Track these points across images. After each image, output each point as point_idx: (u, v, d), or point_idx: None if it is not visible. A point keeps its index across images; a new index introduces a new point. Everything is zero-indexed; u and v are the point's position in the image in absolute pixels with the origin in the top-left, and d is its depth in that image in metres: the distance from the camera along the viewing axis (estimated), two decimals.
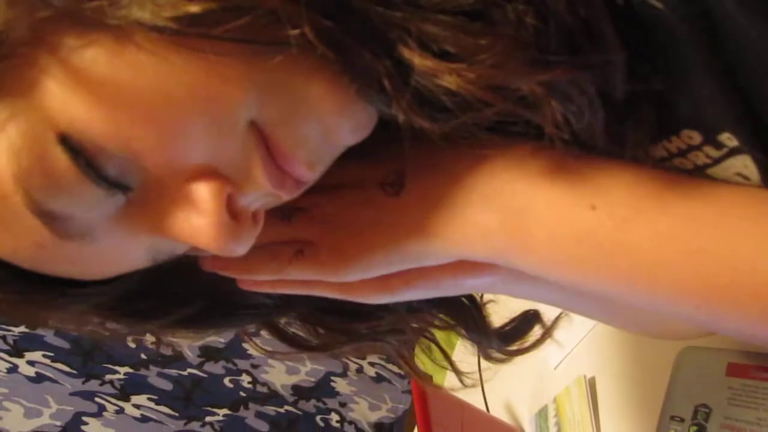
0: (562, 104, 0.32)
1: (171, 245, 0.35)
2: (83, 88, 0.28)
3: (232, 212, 0.33)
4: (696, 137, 0.34)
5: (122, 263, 0.35)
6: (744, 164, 0.34)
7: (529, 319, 0.53)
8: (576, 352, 0.82)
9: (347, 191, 0.40)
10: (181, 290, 0.42)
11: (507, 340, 0.52)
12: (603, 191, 0.35)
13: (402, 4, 0.30)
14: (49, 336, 1.78)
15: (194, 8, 0.27)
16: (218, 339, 1.95)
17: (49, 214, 0.30)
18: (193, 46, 0.28)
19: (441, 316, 0.50)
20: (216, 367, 2.00)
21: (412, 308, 0.48)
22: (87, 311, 0.38)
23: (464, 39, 0.30)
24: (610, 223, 0.35)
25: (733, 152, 0.34)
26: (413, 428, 1.40)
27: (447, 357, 0.53)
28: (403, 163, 0.38)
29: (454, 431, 0.73)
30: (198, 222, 0.32)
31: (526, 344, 0.52)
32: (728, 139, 0.33)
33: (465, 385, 0.54)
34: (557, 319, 0.53)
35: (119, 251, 0.34)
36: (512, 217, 0.36)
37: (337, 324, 0.48)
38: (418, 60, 0.30)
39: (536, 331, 0.52)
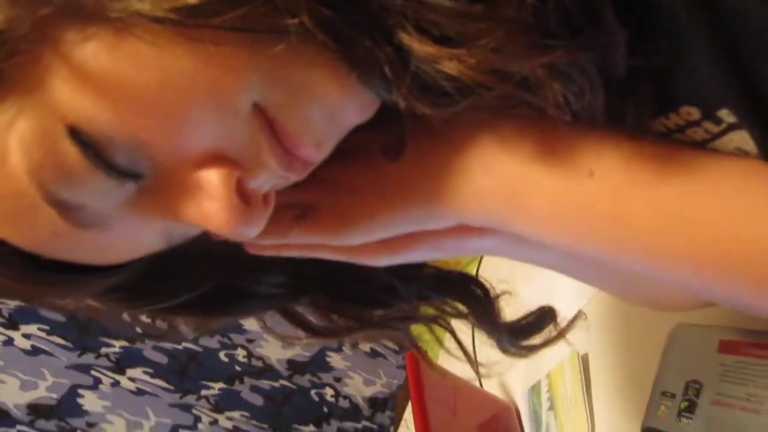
0: (564, 85, 0.32)
1: (184, 229, 0.36)
2: (88, 81, 0.28)
3: (243, 196, 0.34)
4: (695, 113, 0.34)
5: (137, 248, 0.35)
6: (743, 139, 0.34)
7: (544, 315, 0.54)
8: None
9: (349, 155, 0.40)
10: (194, 273, 0.43)
11: (519, 335, 0.53)
12: (601, 159, 0.35)
13: None
14: (45, 309, 1.79)
15: None
16: None
17: (63, 205, 0.30)
18: (193, 36, 0.29)
19: (453, 304, 0.50)
20: (211, 342, 2.01)
21: (424, 296, 0.49)
22: (99, 294, 0.39)
23: (464, 24, 0.30)
24: (608, 190, 0.35)
25: (732, 128, 0.34)
26: (407, 403, 1.41)
27: (461, 346, 0.53)
28: (403, 128, 0.38)
29: (448, 406, 0.74)
30: (209, 207, 0.33)
31: (538, 341, 0.53)
32: (727, 115, 0.33)
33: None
34: (573, 319, 0.53)
35: (133, 237, 0.34)
36: (511, 182, 0.36)
37: (350, 310, 0.49)
38: (418, 46, 0.30)
39: (550, 329, 0.53)
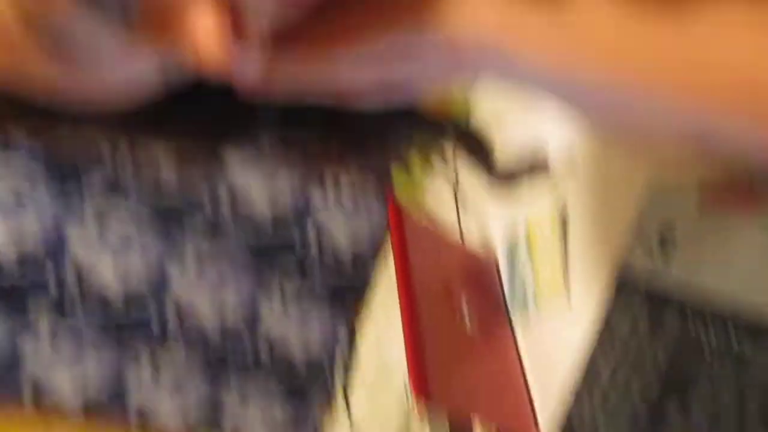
0: None
1: (178, 59, 0.35)
2: None
3: (238, 32, 0.33)
4: None
5: (132, 83, 0.35)
6: None
7: (538, 160, 0.54)
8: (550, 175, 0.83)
9: None
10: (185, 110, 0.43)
11: (510, 175, 0.54)
12: None
13: None
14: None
15: None
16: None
17: (52, 35, 0.30)
18: None
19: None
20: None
21: (425, 132, 0.50)
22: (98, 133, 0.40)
23: None
24: (612, 22, 0.34)
25: None
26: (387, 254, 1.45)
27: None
28: None
29: (430, 257, 0.75)
30: (204, 40, 0.32)
31: (529, 181, 0.54)
32: None
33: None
34: (561, 166, 0.53)
35: (128, 71, 0.34)
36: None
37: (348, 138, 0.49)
38: None
39: (541, 172, 0.53)
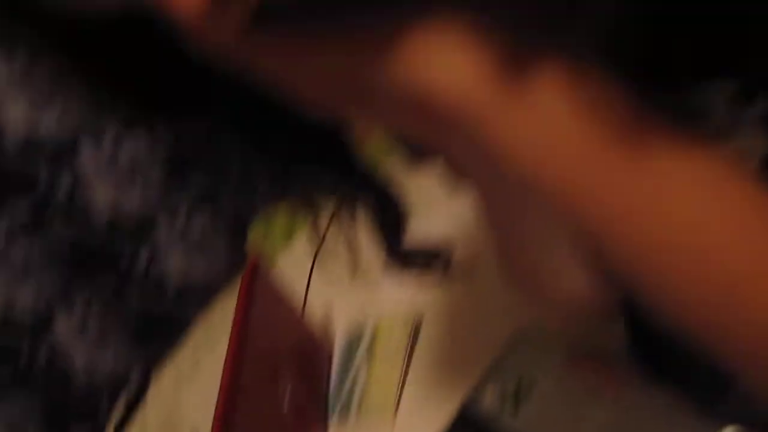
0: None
1: None
2: None
3: None
4: (725, 93, 0.33)
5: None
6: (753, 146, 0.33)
7: (438, 253, 0.53)
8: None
9: None
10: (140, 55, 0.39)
11: (407, 257, 0.52)
12: (608, 101, 0.31)
13: None
14: None
15: None
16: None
17: None
18: None
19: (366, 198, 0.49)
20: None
21: (344, 179, 0.48)
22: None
23: None
24: (599, 138, 0.32)
25: (749, 130, 0.33)
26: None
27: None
28: None
29: (270, 323, 0.69)
30: None
31: (419, 271, 0.54)
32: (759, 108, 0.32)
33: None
34: (451, 268, 0.54)
35: None
36: (505, 84, 0.32)
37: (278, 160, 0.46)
38: None
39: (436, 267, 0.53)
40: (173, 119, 0.43)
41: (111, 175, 1.78)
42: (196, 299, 1.95)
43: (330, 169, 0.47)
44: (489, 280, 0.63)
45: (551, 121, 0.32)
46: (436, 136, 0.37)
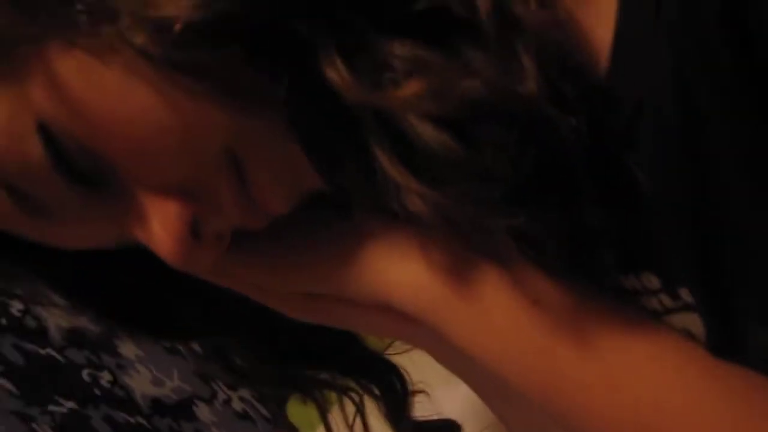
0: (519, 239, 0.32)
1: (134, 237, 0.36)
2: (66, 93, 0.29)
3: (196, 232, 0.34)
4: (655, 282, 0.34)
5: (85, 242, 0.36)
6: (693, 321, 0.34)
7: (450, 429, 0.54)
8: None
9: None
10: (133, 281, 0.43)
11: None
12: (550, 293, 0.34)
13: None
14: None
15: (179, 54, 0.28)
16: (90, 326, 1.83)
17: (16, 192, 0.32)
18: (174, 79, 0.29)
19: (369, 385, 0.52)
20: (77, 356, 1.87)
21: (346, 371, 0.51)
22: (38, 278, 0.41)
23: (440, 167, 0.30)
24: (547, 324, 0.34)
25: (687, 307, 0.33)
26: None
27: (363, 416, 0.55)
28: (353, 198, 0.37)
29: None
30: (161, 236, 0.33)
31: None
32: (686, 294, 0.34)
33: None
34: None
35: (82, 233, 0.35)
36: (451, 283, 0.35)
37: (276, 361, 0.49)
38: (389, 167, 0.30)
39: None
40: (187, 338, 0.46)
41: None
42: None
43: (333, 360, 0.49)
44: None
45: (497, 313, 0.34)
46: (408, 333, 0.40)
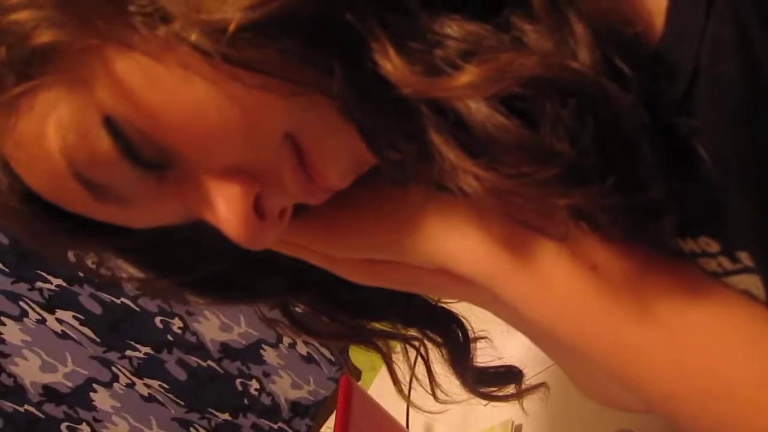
0: (580, 219, 0.31)
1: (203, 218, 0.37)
2: (129, 88, 0.30)
3: (259, 210, 0.35)
4: (714, 246, 0.33)
5: (157, 220, 0.37)
6: (754, 283, 0.33)
7: (512, 375, 0.54)
8: None
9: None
10: (206, 251, 0.43)
11: (481, 382, 0.53)
12: (609, 258, 0.33)
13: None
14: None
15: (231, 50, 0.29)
16: None
17: (88, 183, 0.33)
18: (232, 72, 0.29)
19: (431, 334, 0.51)
20: (150, 304, 1.96)
21: (409, 320, 0.50)
22: (114, 252, 0.42)
23: (499, 148, 0.29)
24: (607, 289, 0.33)
25: (746, 270, 0.33)
26: (328, 416, 1.38)
27: (431, 375, 0.53)
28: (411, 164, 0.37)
29: None
30: (227, 217, 0.34)
31: (496, 393, 0.54)
32: (746, 258, 0.32)
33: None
34: (535, 387, 0.55)
35: (153, 213, 0.36)
36: (510, 252, 0.35)
37: (341, 316, 0.49)
38: (444, 149, 0.30)
39: (510, 388, 0.54)
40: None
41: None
42: (307, 413, 1.98)
43: (396, 312, 0.50)
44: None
45: (557, 280, 0.34)
46: (470, 295, 0.40)
